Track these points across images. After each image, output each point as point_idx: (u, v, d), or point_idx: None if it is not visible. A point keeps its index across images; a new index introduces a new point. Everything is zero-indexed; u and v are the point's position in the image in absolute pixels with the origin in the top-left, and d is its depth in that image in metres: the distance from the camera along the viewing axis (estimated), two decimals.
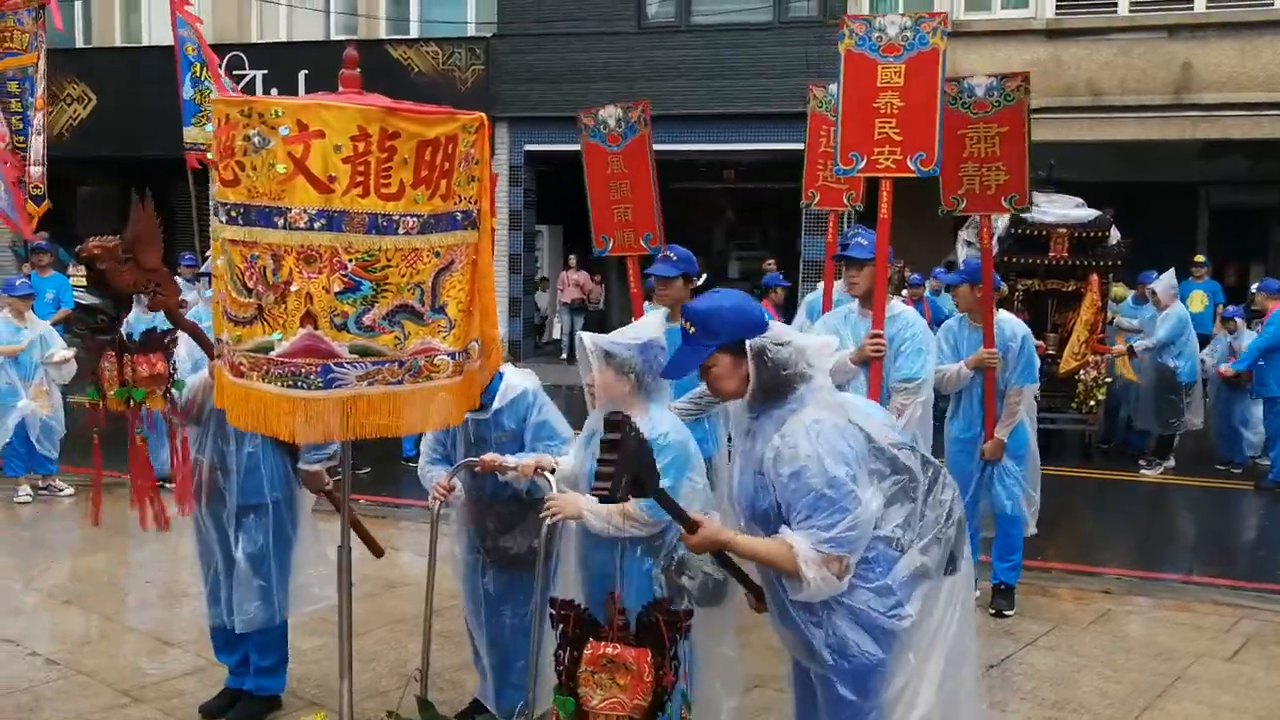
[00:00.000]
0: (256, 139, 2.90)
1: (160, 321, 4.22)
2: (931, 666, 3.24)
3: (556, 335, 19.90)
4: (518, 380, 4.49)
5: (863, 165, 5.28)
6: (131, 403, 4.18)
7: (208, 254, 3.75)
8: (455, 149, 3.06)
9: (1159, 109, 14.82)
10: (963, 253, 11.25)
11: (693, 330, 3.21)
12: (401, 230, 2.98)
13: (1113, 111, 15.01)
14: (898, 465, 3.21)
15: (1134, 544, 8.82)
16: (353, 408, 3.03)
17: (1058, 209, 11.18)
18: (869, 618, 3.13)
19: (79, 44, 20.18)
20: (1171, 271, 11.39)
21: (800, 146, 7.24)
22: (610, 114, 6.27)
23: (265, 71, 18.43)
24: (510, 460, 4.29)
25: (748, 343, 3.13)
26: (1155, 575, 7.51)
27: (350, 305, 2.95)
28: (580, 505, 3.85)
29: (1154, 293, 11.27)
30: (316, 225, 2.90)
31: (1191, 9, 14.86)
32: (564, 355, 18.51)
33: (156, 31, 18.76)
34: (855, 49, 5.24)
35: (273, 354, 2.96)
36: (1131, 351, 11.10)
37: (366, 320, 2.97)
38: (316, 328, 2.93)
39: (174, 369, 4.32)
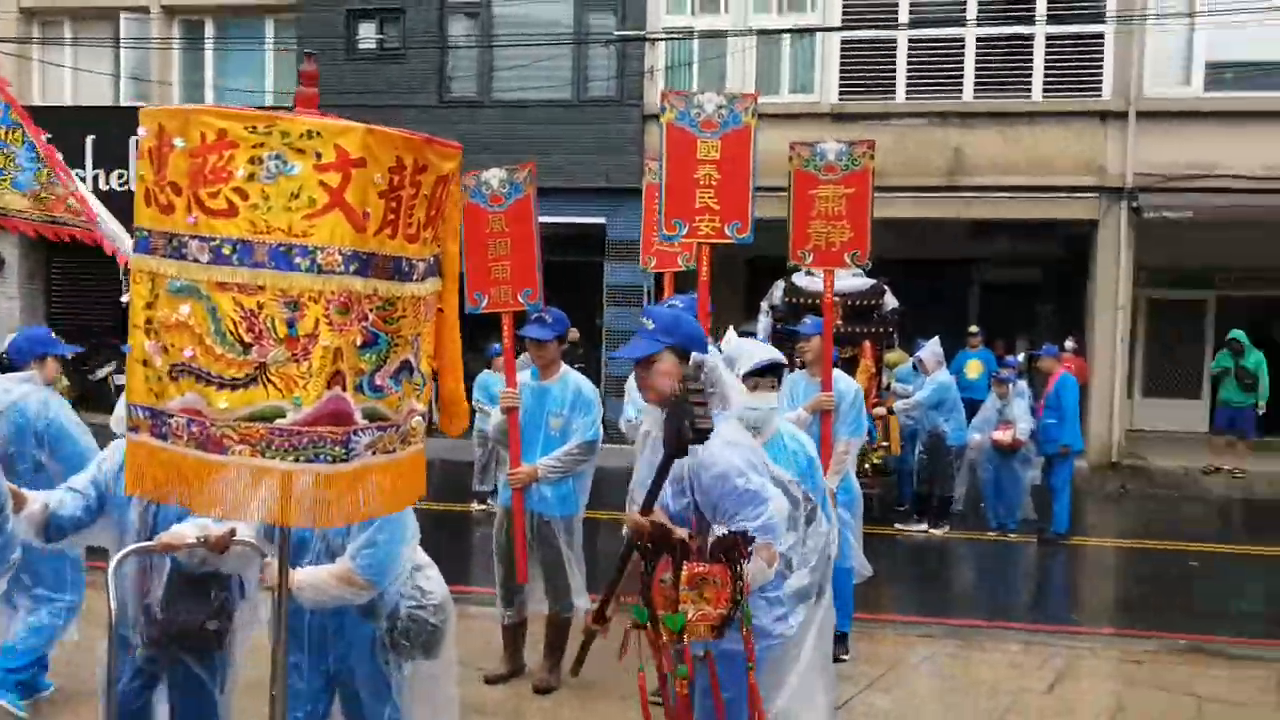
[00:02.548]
0: (273, 163, 2.36)
1: None
2: (793, 679, 3.78)
3: None
4: None
5: (685, 232, 5.66)
6: None
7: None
8: (453, 188, 2.67)
9: (934, 190, 15.40)
10: (762, 321, 11.31)
11: (651, 326, 3.59)
12: (415, 276, 2.55)
13: (892, 191, 15.45)
14: (789, 492, 3.68)
15: (938, 594, 9.21)
16: (363, 483, 2.48)
17: (834, 279, 11.33)
18: (759, 623, 3.60)
19: None
20: (936, 339, 11.67)
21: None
22: (494, 175, 6.24)
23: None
24: (190, 532, 3.56)
25: (694, 354, 3.57)
26: (968, 622, 7.81)
27: (367, 362, 2.44)
28: (296, 577, 3.54)
29: (921, 360, 11.53)
30: (351, 269, 2.37)
31: (960, 98, 15.58)
32: None
33: None
34: (676, 123, 5.60)
35: (282, 422, 2.36)
36: (890, 412, 11.29)
37: (378, 379, 2.48)
38: (345, 389, 2.39)
39: None
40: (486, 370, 10.80)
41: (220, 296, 2.38)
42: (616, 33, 16.28)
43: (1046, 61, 15.37)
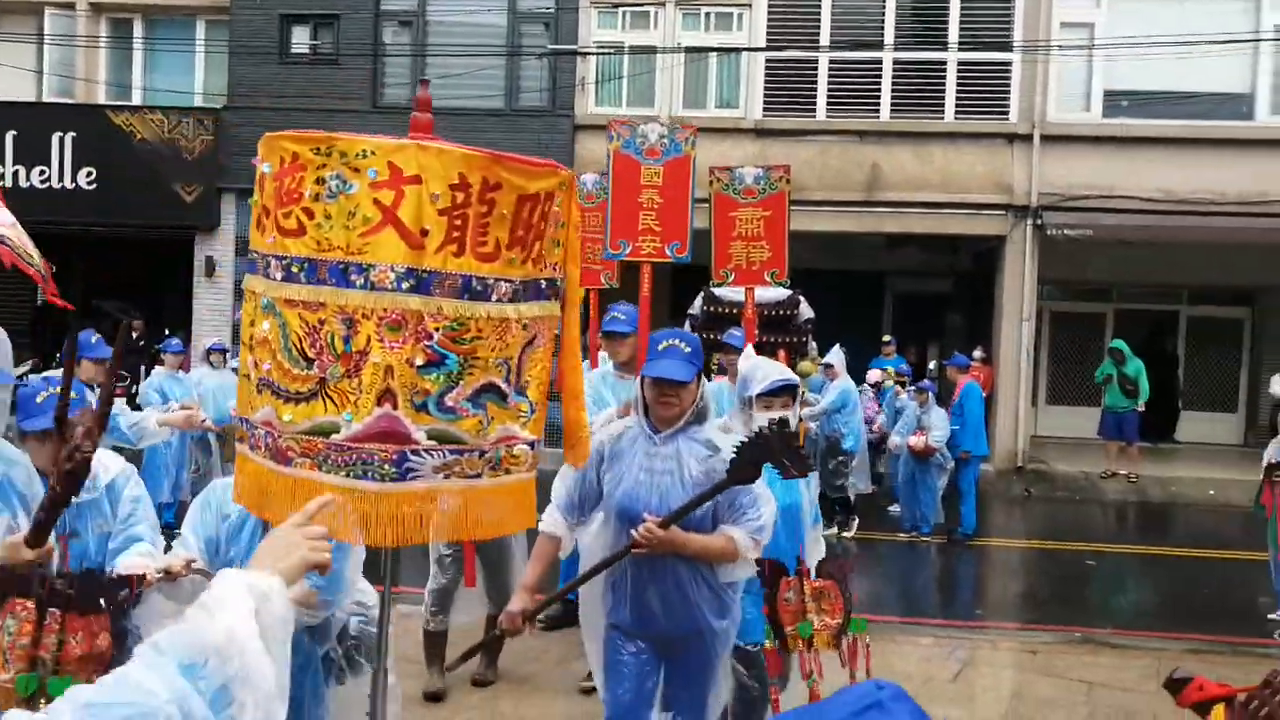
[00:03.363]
0: (334, 182, 2.40)
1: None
2: None
3: None
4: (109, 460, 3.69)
5: (629, 250, 6.00)
6: (42, 697, 2.74)
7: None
8: (550, 208, 2.60)
9: (852, 204, 15.97)
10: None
11: (687, 350, 3.88)
12: (495, 296, 2.48)
13: (813, 205, 16.03)
14: None
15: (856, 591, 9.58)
16: (428, 505, 2.46)
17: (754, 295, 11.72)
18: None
19: None
20: (838, 346, 12.12)
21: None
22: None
23: None
24: (146, 564, 3.38)
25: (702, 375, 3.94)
26: (880, 618, 8.08)
27: (432, 382, 2.42)
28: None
29: (828, 366, 11.99)
30: (404, 286, 2.38)
31: (878, 117, 16.18)
32: None
33: None
34: (622, 150, 5.95)
35: (336, 438, 2.40)
36: (800, 419, 11.69)
37: (449, 400, 2.44)
38: (396, 407, 2.39)
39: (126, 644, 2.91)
40: None
41: (289, 313, 2.45)
42: (549, 46, 16.60)
43: (958, 85, 16.04)
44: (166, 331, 15.43)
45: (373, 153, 2.42)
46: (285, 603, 1.62)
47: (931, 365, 15.90)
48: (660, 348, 3.90)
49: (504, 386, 2.55)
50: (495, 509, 2.59)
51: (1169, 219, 15.34)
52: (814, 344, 12.30)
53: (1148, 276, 17.41)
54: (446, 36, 16.93)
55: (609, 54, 16.66)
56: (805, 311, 11.71)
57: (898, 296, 19.38)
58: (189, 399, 9.50)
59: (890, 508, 12.32)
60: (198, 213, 17.06)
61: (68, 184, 16.94)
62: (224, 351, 11.72)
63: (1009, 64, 15.92)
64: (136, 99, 17.80)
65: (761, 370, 4.53)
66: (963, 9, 15.95)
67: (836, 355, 11.89)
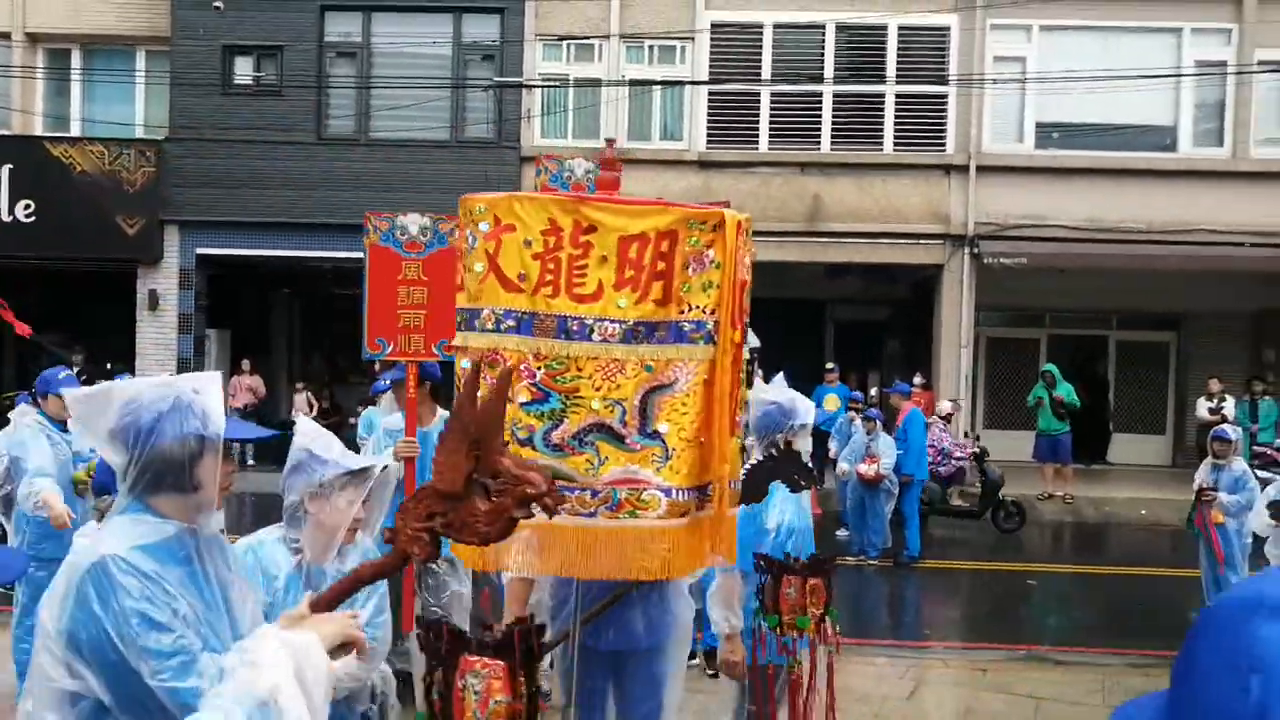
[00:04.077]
0: (470, 239, 2.68)
1: None
2: None
3: None
4: None
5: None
6: None
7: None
8: (675, 247, 2.63)
9: (794, 234, 16.23)
10: None
11: None
12: (597, 336, 2.58)
13: (756, 236, 16.16)
14: None
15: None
16: (533, 539, 2.53)
17: None
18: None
19: None
20: (781, 374, 12.26)
21: None
22: (413, 221, 5.74)
23: None
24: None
25: None
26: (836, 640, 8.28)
27: (537, 418, 2.54)
28: (334, 664, 3.39)
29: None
30: (503, 326, 2.60)
31: (819, 149, 16.49)
32: (235, 461, 17.59)
33: None
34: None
35: None
36: (743, 448, 11.86)
37: (554, 437, 2.55)
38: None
39: None
40: (371, 407, 10.96)
41: (460, 359, 2.70)
42: (494, 79, 16.72)
43: (896, 118, 16.42)
44: (109, 366, 15.22)
45: (485, 208, 2.68)
46: (324, 659, 1.70)
47: (873, 392, 16.16)
48: None
49: (619, 428, 2.60)
50: (612, 551, 2.59)
51: (1098, 246, 15.82)
52: (760, 372, 12.47)
53: (1078, 302, 17.88)
54: (391, 68, 16.97)
55: (554, 87, 16.82)
56: (752, 340, 11.82)
57: (838, 324, 19.69)
58: None
59: (838, 532, 12.50)
60: (140, 245, 16.86)
61: (4, 217, 16.67)
62: None
63: (945, 97, 16.34)
64: (75, 130, 17.58)
65: (802, 403, 5.05)
66: (900, 43, 16.36)
67: (777, 384, 12.01)
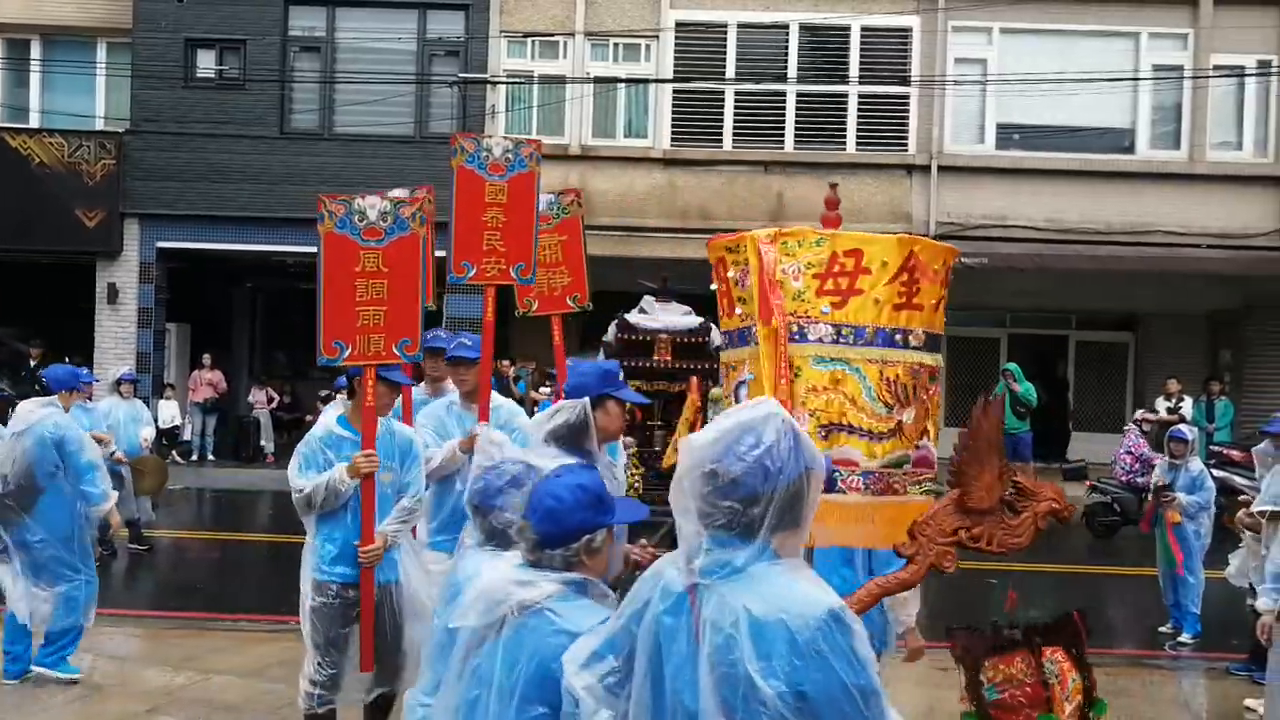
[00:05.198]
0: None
1: None
2: None
3: (188, 436, 18.46)
4: None
5: (473, 273, 5.29)
6: None
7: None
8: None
9: None
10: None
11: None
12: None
13: (720, 233, 16.18)
14: None
15: None
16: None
17: (664, 316, 11.74)
18: None
19: None
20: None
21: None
22: (372, 205, 5.11)
23: None
24: None
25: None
26: None
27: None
28: None
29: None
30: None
31: (783, 148, 16.40)
32: (195, 456, 17.30)
33: None
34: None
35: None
36: None
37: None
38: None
39: None
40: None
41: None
42: (459, 74, 16.50)
43: (859, 118, 16.36)
44: (66, 360, 14.86)
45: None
46: None
47: None
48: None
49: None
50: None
51: (1058, 247, 15.83)
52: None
53: (1039, 302, 17.90)
54: (355, 63, 16.74)
55: (518, 83, 16.62)
56: (716, 339, 11.73)
57: None
58: (99, 430, 9.16)
59: None
60: (99, 239, 16.53)
61: None
62: (134, 381, 11.24)
63: (907, 97, 16.29)
64: (34, 122, 17.21)
65: None
66: (862, 44, 16.29)
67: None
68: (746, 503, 2.16)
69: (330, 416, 5.16)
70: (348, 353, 4.91)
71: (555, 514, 2.53)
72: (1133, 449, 12.98)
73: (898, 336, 3.19)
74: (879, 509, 3.09)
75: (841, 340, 3.18)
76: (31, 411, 6.71)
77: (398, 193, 5.17)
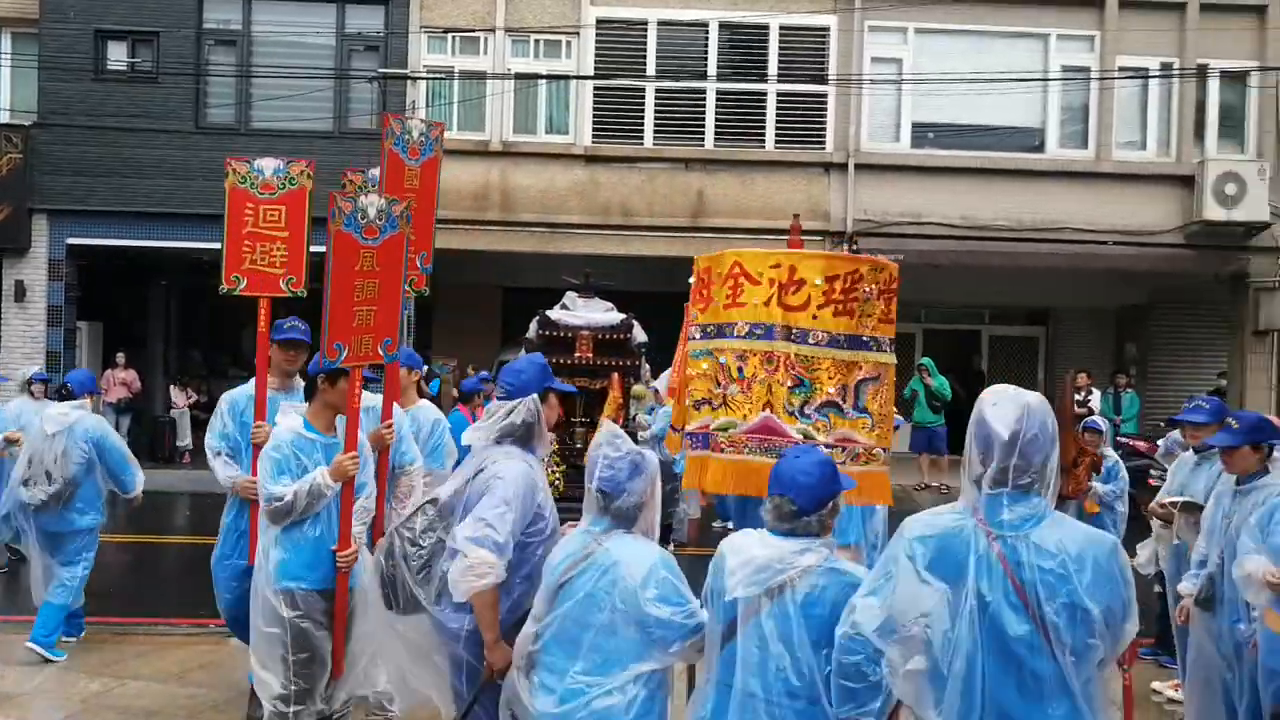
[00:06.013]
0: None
1: None
2: None
3: None
4: None
5: (346, 354, 4.78)
6: None
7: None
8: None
9: (679, 230, 16.21)
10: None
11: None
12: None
13: (641, 230, 16.26)
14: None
15: None
16: None
17: (585, 312, 11.70)
18: None
19: None
20: (669, 371, 12.21)
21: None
22: (371, 203, 4.87)
23: None
24: None
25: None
26: None
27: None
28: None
29: (657, 390, 12.09)
30: (755, 334, 4.19)
31: (703, 145, 16.50)
32: None
33: None
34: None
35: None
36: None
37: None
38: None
39: None
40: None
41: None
42: (378, 70, 16.32)
43: (778, 116, 16.50)
44: None
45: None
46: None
47: None
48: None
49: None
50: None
51: (972, 244, 16.14)
52: (648, 367, 12.38)
53: (953, 298, 18.24)
54: (272, 57, 16.44)
55: (439, 79, 16.49)
56: (639, 335, 11.73)
57: None
58: (11, 431, 8.87)
59: (715, 524, 12.47)
60: (6, 234, 16.02)
61: None
62: (46, 381, 10.65)
63: (825, 96, 16.48)
64: None
65: None
66: (781, 42, 16.44)
67: (664, 380, 11.94)
68: (1044, 463, 2.95)
69: (293, 420, 4.96)
70: (345, 354, 4.76)
71: (810, 488, 3.26)
72: None
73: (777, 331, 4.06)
74: (731, 465, 4.07)
75: (750, 335, 4.15)
76: (66, 414, 7.54)
77: (267, 161, 5.58)
